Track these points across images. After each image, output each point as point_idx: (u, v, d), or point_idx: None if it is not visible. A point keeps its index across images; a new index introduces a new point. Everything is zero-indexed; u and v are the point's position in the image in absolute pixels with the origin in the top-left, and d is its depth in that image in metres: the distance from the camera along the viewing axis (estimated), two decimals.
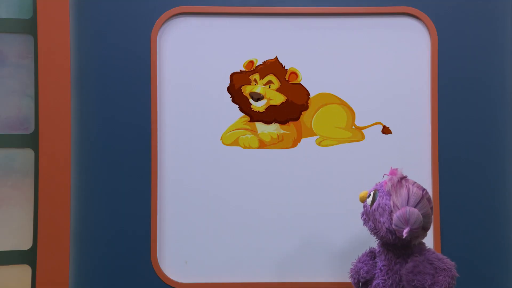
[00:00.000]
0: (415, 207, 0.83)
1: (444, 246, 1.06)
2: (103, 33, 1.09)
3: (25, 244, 1.10)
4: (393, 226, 0.82)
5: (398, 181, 0.85)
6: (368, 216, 0.88)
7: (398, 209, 0.83)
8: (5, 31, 1.12)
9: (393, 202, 0.84)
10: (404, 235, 0.80)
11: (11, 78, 1.12)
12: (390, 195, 0.85)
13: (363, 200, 0.89)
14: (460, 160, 1.07)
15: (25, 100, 1.12)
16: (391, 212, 0.84)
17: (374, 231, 0.87)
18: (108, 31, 1.09)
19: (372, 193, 0.88)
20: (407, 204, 0.83)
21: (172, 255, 1.08)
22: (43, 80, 1.07)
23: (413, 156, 1.08)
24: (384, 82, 1.10)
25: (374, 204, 0.86)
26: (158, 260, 1.07)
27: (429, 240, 1.06)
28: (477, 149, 1.08)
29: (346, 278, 0.96)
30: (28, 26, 1.11)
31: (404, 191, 0.84)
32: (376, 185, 0.89)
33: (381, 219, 0.85)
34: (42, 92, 1.07)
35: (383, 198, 0.85)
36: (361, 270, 0.90)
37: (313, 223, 1.08)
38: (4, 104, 1.12)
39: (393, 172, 0.88)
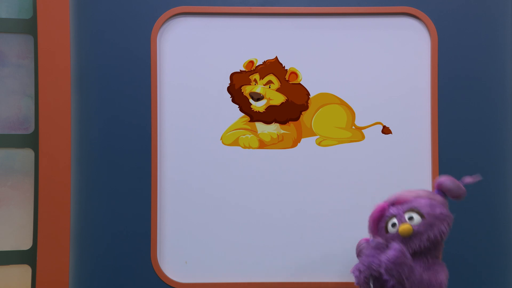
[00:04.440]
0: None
1: (444, 245, 1.06)
2: (103, 33, 1.09)
3: (25, 244, 1.11)
4: (453, 192, 0.85)
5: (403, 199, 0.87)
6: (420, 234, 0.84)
7: (433, 198, 0.86)
8: (5, 31, 1.12)
9: (430, 200, 0.85)
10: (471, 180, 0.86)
11: (11, 78, 1.12)
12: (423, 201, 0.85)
13: (410, 232, 0.83)
14: (460, 160, 1.07)
15: (25, 100, 1.12)
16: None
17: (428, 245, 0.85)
18: (108, 31, 1.09)
19: (409, 216, 0.84)
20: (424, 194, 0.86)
21: (172, 255, 1.08)
22: (43, 80, 1.07)
23: (413, 156, 1.09)
24: (384, 82, 1.10)
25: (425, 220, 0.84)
26: (158, 260, 1.07)
27: None
28: (477, 149, 1.08)
29: (347, 277, 0.96)
30: (28, 26, 1.11)
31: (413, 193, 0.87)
32: (387, 211, 0.87)
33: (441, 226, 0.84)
34: (42, 92, 1.07)
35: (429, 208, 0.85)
36: (373, 264, 0.83)
37: (314, 223, 1.08)
38: (4, 104, 1.12)
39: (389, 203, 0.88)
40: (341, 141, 1.09)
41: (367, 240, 0.91)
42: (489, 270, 1.06)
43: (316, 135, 1.09)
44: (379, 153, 1.09)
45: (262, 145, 1.09)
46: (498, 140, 1.08)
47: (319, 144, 1.09)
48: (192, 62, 1.10)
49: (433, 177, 1.07)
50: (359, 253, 0.91)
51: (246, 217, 1.08)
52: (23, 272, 1.10)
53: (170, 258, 1.08)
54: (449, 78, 1.08)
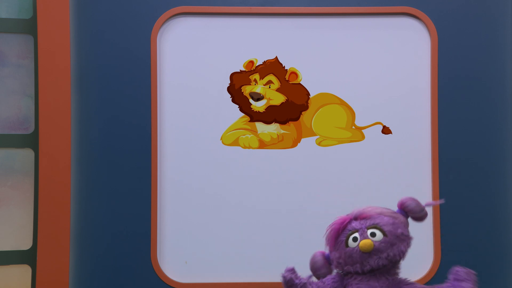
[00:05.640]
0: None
1: (444, 246, 1.06)
2: (103, 33, 1.09)
3: (25, 244, 1.11)
4: (415, 213, 0.82)
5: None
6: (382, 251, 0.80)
7: (394, 215, 0.82)
8: (5, 31, 1.12)
9: (393, 218, 0.83)
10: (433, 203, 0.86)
11: (11, 78, 1.12)
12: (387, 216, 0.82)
13: (371, 248, 0.80)
14: (460, 160, 1.07)
15: (25, 100, 1.12)
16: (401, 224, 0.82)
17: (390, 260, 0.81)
18: (108, 31, 1.09)
19: (371, 232, 0.81)
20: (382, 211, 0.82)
21: (172, 255, 1.08)
22: (43, 80, 1.07)
23: (413, 156, 1.08)
24: (384, 82, 1.10)
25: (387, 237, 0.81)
26: (158, 260, 1.07)
27: (429, 241, 1.06)
28: (477, 149, 1.08)
29: None
30: (28, 26, 1.11)
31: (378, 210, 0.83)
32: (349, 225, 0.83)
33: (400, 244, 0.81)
34: (42, 92, 1.07)
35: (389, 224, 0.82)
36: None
37: (314, 223, 1.08)
38: (4, 104, 1.12)
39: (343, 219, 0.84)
40: (341, 141, 1.09)
41: (323, 254, 0.87)
42: (489, 270, 1.06)
43: (316, 135, 1.09)
44: (379, 153, 1.09)
45: (262, 145, 1.09)
46: (498, 140, 1.08)
47: (319, 144, 1.09)
48: (192, 62, 1.10)
49: (433, 177, 1.07)
50: (313, 268, 0.86)
51: (246, 217, 1.08)
52: (23, 272, 1.10)
53: (170, 258, 1.08)
54: (449, 78, 1.08)
